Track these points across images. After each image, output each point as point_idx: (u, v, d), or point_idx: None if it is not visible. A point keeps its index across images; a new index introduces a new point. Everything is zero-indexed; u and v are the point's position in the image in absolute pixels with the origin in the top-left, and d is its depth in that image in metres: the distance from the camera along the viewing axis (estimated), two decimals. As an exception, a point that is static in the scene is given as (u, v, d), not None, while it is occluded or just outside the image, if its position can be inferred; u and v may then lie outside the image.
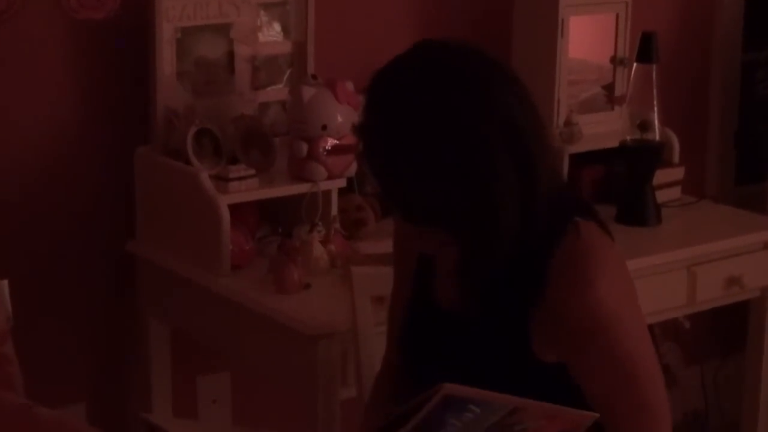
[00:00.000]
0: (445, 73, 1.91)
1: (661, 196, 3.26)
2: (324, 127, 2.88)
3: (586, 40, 3.34)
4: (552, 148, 2.05)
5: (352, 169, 2.95)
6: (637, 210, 3.19)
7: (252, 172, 2.86)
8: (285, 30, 3.06)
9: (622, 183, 3.23)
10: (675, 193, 3.36)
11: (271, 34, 3.05)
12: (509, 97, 1.93)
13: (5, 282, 2.60)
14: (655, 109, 3.18)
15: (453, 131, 1.89)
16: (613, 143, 3.24)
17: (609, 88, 3.40)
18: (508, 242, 1.94)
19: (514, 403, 1.73)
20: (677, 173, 3.37)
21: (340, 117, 2.88)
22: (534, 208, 1.94)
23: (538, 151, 1.94)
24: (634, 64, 3.23)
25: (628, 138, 3.21)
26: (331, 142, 2.89)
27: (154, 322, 3.03)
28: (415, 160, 1.90)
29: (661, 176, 3.26)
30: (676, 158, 3.40)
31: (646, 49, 3.19)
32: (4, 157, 2.86)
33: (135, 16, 2.91)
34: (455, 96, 1.90)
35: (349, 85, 2.87)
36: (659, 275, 3.04)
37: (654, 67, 3.19)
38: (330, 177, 2.91)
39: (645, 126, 3.17)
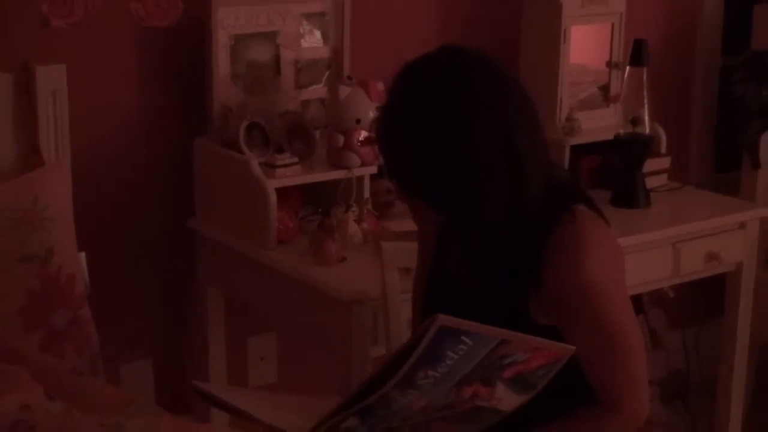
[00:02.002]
0: (455, 75, 1.94)
1: (650, 182, 3.25)
2: (358, 121, 2.90)
3: (586, 46, 3.34)
4: (548, 149, 2.04)
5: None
6: (629, 194, 3.18)
7: (295, 160, 2.86)
8: (324, 37, 3.07)
9: (616, 171, 3.23)
10: (662, 179, 3.35)
11: (313, 41, 3.06)
12: (507, 104, 1.95)
13: (83, 254, 2.64)
14: (645, 106, 3.17)
15: (451, 124, 1.92)
16: (608, 136, 3.24)
17: (605, 88, 3.40)
18: (495, 228, 1.95)
19: (501, 334, 1.73)
20: (664, 162, 3.36)
21: (372, 112, 2.87)
22: (525, 199, 1.95)
23: (530, 153, 1.95)
24: (627, 67, 3.22)
25: (622, 132, 3.21)
26: (363, 134, 2.90)
27: (211, 289, 3.05)
28: (418, 143, 1.94)
29: (650, 165, 3.25)
30: (663, 149, 3.39)
31: (637, 54, 3.18)
32: (85, 147, 2.85)
33: (194, 24, 2.91)
34: (458, 95, 1.93)
35: (380, 85, 2.88)
36: (648, 251, 3.04)
37: (644, 69, 3.17)
38: (363, 164, 2.92)
39: (636, 121, 3.17)
